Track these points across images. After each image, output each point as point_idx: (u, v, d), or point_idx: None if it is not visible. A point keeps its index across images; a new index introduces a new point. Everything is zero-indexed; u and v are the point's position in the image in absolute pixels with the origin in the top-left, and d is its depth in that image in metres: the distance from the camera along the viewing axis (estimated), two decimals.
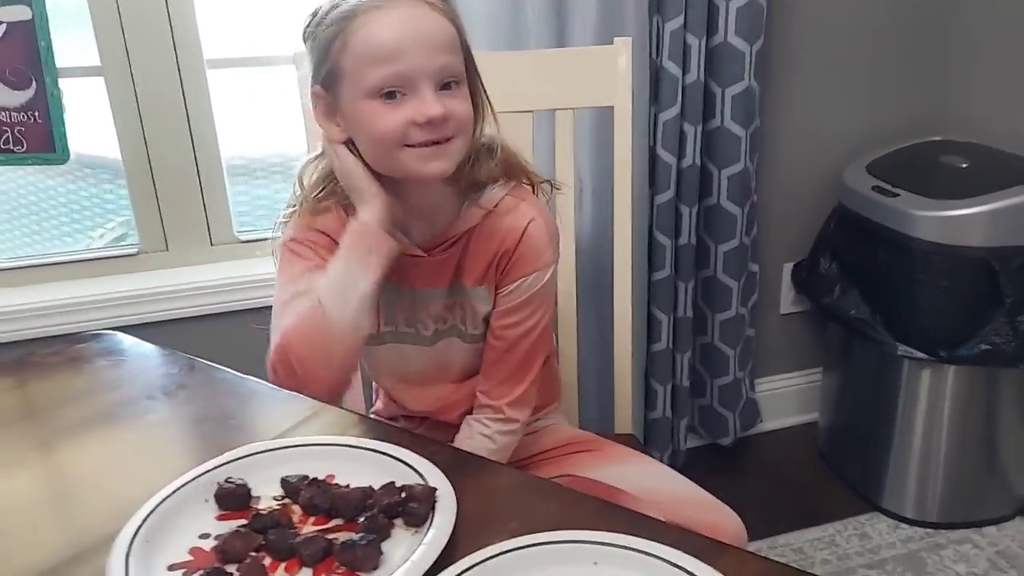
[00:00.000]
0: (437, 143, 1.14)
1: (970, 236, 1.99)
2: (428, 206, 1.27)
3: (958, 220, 1.99)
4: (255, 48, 2.15)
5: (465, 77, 1.17)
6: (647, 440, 2.39)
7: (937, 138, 2.36)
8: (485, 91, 1.23)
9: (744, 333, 2.39)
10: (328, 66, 1.14)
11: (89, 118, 2.03)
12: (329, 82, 1.16)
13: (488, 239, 1.27)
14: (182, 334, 2.04)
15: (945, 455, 2.20)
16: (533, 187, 1.33)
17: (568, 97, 1.60)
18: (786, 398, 2.67)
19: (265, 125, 2.29)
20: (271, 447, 1.03)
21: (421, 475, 0.97)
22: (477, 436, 1.34)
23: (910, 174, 2.18)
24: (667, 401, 2.37)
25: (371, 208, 1.19)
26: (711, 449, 2.56)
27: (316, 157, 1.29)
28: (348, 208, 1.24)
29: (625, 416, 1.67)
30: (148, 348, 1.34)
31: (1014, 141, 2.21)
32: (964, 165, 2.16)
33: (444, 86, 1.13)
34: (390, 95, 1.12)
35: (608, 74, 1.57)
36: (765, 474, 2.51)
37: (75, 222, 2.30)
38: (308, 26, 1.18)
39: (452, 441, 1.35)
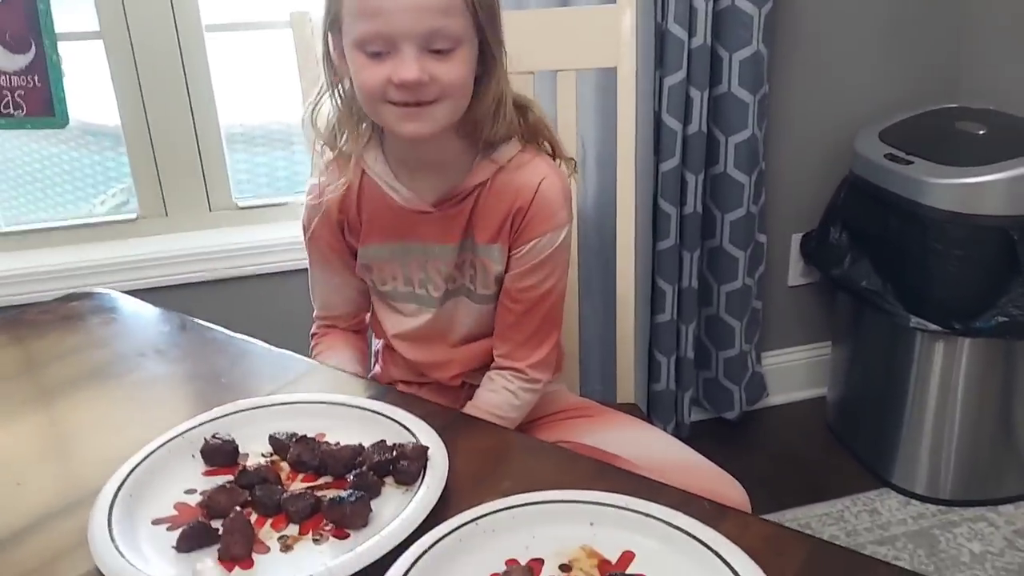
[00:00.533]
0: (419, 104, 1.12)
1: (987, 204, 1.94)
2: (437, 160, 1.25)
3: (975, 188, 1.94)
4: (253, 12, 2.13)
5: (466, 40, 1.13)
6: (650, 412, 2.37)
7: (953, 104, 2.30)
8: (501, 52, 1.20)
9: (751, 305, 2.36)
10: (332, 11, 1.15)
11: (91, 85, 2.02)
12: (334, 27, 1.16)
13: (500, 195, 1.25)
14: (180, 299, 2.02)
15: (959, 430, 2.16)
16: (554, 156, 1.31)
17: (571, 58, 1.56)
18: (793, 372, 2.64)
19: (265, 92, 2.27)
20: (260, 404, 1.01)
21: (413, 434, 0.95)
22: (501, 390, 1.32)
23: (925, 141, 2.12)
24: (671, 373, 2.34)
25: None
26: (716, 423, 2.53)
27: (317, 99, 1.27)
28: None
29: (627, 386, 1.64)
30: (140, 306, 1.34)
31: None
32: (981, 132, 2.11)
33: (436, 49, 1.11)
34: (374, 51, 1.11)
35: (612, 35, 1.54)
36: (771, 449, 2.48)
37: (77, 189, 2.31)
38: None
39: (459, 406, 1.34)
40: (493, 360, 1.36)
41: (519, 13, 1.80)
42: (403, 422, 0.98)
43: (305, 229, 1.33)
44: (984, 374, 2.10)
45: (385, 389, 1.10)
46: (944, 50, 2.41)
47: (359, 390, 1.07)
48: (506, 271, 1.30)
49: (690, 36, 2.00)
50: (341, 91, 1.22)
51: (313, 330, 1.43)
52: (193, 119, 2.06)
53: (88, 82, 2.01)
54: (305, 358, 1.16)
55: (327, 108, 1.26)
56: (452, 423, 1.01)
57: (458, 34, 1.12)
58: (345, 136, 1.25)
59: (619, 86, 1.55)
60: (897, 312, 2.06)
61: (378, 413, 1.00)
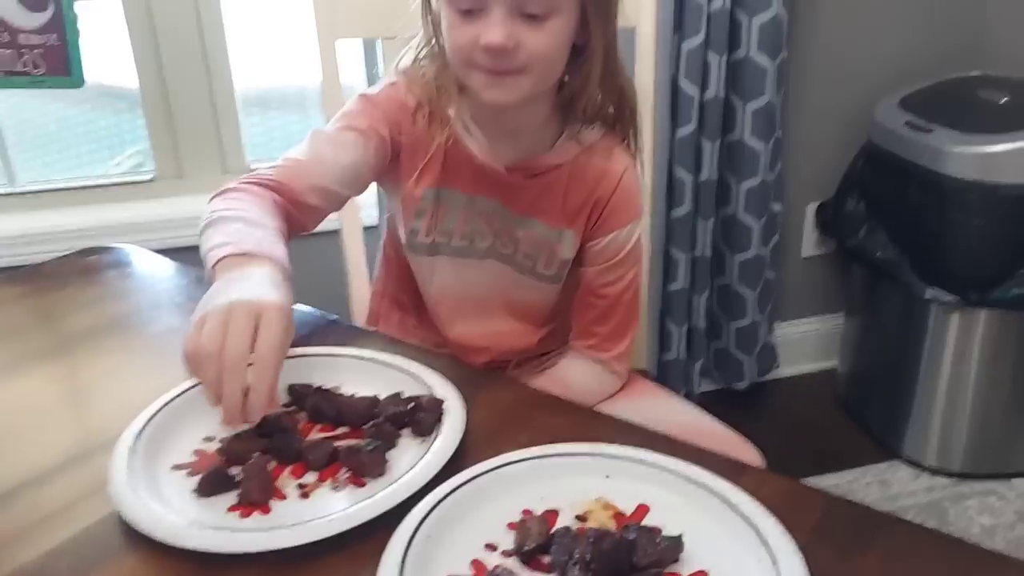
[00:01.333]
0: (504, 72, 1.06)
1: (1009, 173, 1.92)
2: (519, 127, 1.20)
3: (996, 156, 1.92)
4: None
5: (564, 7, 1.06)
6: (660, 381, 2.35)
7: (975, 72, 2.27)
8: (608, 27, 1.12)
9: (764, 275, 2.35)
10: None
11: (109, 47, 2.02)
12: None
13: (581, 179, 1.22)
14: (195, 259, 2.01)
15: (972, 403, 2.15)
16: (630, 148, 1.27)
17: None
18: (805, 343, 2.64)
19: (281, 55, 2.26)
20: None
21: (430, 387, 0.96)
22: (586, 369, 1.30)
23: (945, 109, 2.09)
24: (682, 343, 2.34)
25: None
26: (726, 393, 2.53)
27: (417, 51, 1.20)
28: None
29: (639, 354, 1.63)
30: (157, 261, 1.34)
31: None
32: (1004, 100, 2.08)
33: (530, 15, 1.03)
34: (465, 9, 1.05)
35: None
36: (781, 419, 2.48)
37: (94, 151, 2.33)
38: None
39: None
40: (529, 349, 1.35)
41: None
42: (420, 375, 0.98)
43: (364, 96, 1.21)
44: (999, 346, 2.09)
45: (402, 345, 1.10)
46: (967, 16, 2.38)
47: (376, 344, 1.07)
48: (581, 261, 1.27)
49: (709, 0, 1.99)
50: (439, 42, 1.14)
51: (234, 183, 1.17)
52: (209, 81, 2.06)
53: (106, 44, 2.02)
54: (320, 312, 1.15)
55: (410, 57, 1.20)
56: (470, 377, 1.01)
57: (556, 2, 1.04)
58: (443, 82, 1.16)
59: (637, 47, 1.52)
60: (913, 283, 2.06)
61: (395, 367, 1.00)
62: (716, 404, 2.43)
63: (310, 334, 1.11)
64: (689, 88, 2.04)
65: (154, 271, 1.33)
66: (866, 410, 2.42)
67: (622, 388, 1.38)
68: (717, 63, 2.04)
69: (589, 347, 1.30)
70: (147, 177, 2.11)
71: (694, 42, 2.00)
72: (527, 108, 1.15)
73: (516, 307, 1.33)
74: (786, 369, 2.62)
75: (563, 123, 1.21)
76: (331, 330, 1.13)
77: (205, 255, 1.00)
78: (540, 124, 1.20)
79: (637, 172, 1.26)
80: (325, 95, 1.54)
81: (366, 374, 1.00)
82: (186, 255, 1.99)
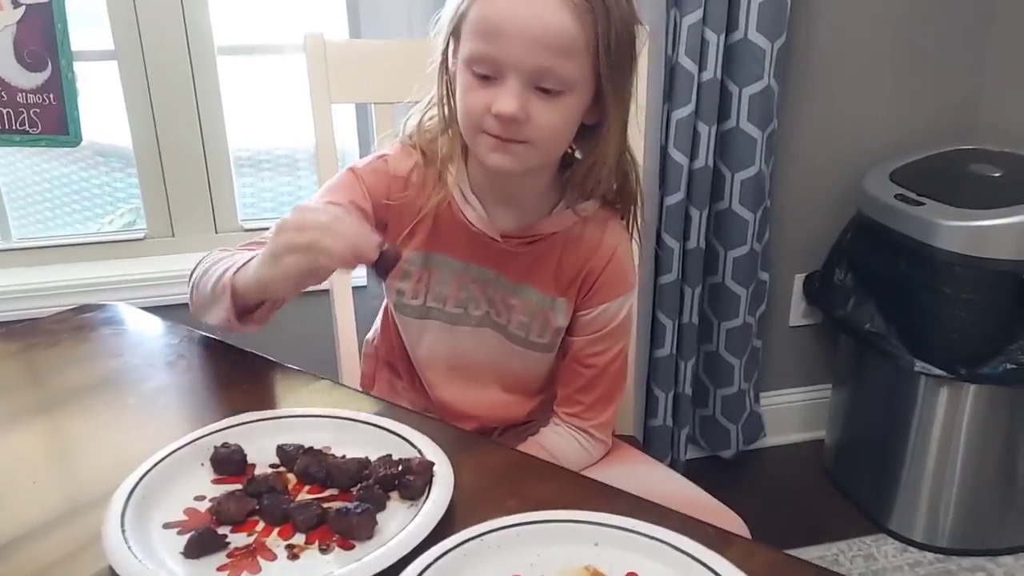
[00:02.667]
0: (510, 140, 1.08)
1: (1000, 248, 1.92)
2: (517, 194, 1.21)
3: (987, 231, 1.92)
4: (266, 36, 2.16)
5: (579, 86, 1.07)
6: (646, 448, 2.35)
7: (968, 146, 2.29)
8: (623, 107, 1.14)
9: (751, 343, 2.37)
10: (457, 17, 1.10)
11: (104, 106, 2.04)
12: (456, 34, 1.11)
13: (576, 251, 1.23)
14: (185, 317, 2.02)
15: (960, 478, 2.14)
16: (628, 226, 1.29)
17: None
18: (792, 413, 2.64)
19: (273, 117, 2.29)
20: (269, 416, 1.02)
21: (419, 450, 0.96)
22: (569, 438, 1.30)
23: (937, 182, 2.11)
24: (668, 409, 2.34)
25: None
26: (712, 461, 2.53)
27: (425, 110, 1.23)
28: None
29: (626, 420, 1.64)
30: (150, 319, 1.35)
31: None
32: (996, 174, 2.10)
33: (545, 88, 1.05)
34: (482, 74, 1.07)
35: None
36: (767, 489, 2.48)
37: (87, 208, 2.35)
38: None
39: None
40: (518, 420, 1.37)
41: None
42: (409, 438, 0.98)
43: (351, 170, 1.24)
44: (988, 422, 2.08)
45: (391, 407, 1.10)
46: (961, 89, 2.40)
47: (367, 406, 1.07)
48: (570, 330, 1.28)
49: (700, 70, 2.02)
50: (450, 103, 1.16)
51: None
52: (203, 141, 2.08)
53: (100, 103, 2.04)
54: (313, 374, 1.16)
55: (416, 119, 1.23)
56: (459, 440, 1.01)
57: (570, 78, 1.06)
58: (443, 145, 1.19)
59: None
60: (901, 356, 2.06)
61: (385, 429, 1.00)
62: (702, 472, 2.46)
63: (303, 395, 1.12)
64: (678, 157, 2.06)
65: (146, 329, 1.34)
66: (853, 482, 2.41)
67: (607, 454, 1.38)
68: (707, 133, 2.07)
69: (572, 415, 1.31)
70: (139, 235, 2.12)
71: (684, 112, 2.03)
72: (528, 178, 1.17)
73: (507, 377, 1.34)
74: (773, 438, 2.61)
75: (562, 193, 1.23)
76: (321, 390, 1.13)
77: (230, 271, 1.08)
78: (539, 193, 1.22)
79: (631, 247, 1.28)
80: (319, 158, 1.56)
81: (356, 435, 1.00)
82: (176, 313, 1.99)
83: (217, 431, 0.98)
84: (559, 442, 1.29)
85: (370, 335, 1.47)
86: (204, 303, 1.14)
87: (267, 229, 1.10)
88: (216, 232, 2.14)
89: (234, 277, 1.06)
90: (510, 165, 1.10)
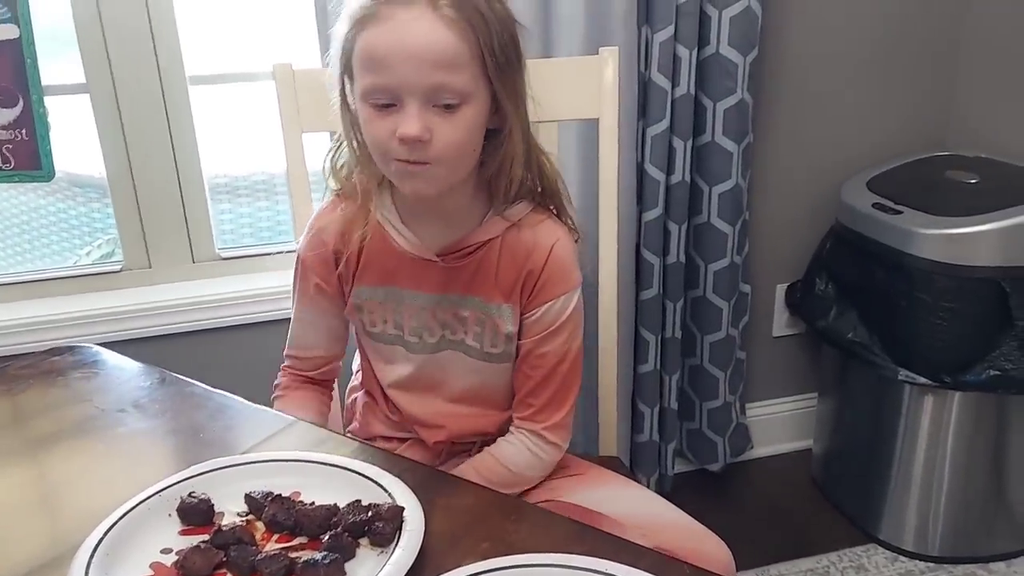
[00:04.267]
0: (419, 163, 1.11)
1: (979, 255, 1.91)
2: (445, 211, 1.25)
3: (966, 238, 1.91)
4: (237, 64, 2.14)
5: (475, 95, 1.12)
6: (633, 464, 2.35)
7: (943, 153, 2.29)
8: (520, 107, 1.19)
9: (735, 355, 2.36)
10: (345, 58, 1.14)
11: (79, 137, 2.03)
12: (348, 73, 1.16)
13: (512, 254, 1.26)
14: (163, 350, 2.02)
15: (948, 486, 2.13)
16: (562, 221, 1.33)
17: (552, 109, 1.54)
18: (778, 424, 2.63)
19: (249, 143, 2.28)
20: (236, 462, 1.01)
21: (389, 494, 0.95)
22: (521, 447, 1.32)
23: (914, 190, 2.11)
24: (654, 424, 2.33)
25: None
26: (699, 475, 2.51)
27: (335, 149, 1.29)
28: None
29: (610, 438, 1.64)
30: (121, 361, 1.34)
31: None
32: (973, 181, 2.09)
33: (445, 104, 1.09)
34: (381, 104, 1.10)
35: (593, 86, 1.54)
36: (756, 502, 2.46)
37: (64, 240, 2.33)
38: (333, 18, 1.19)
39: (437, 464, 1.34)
40: (488, 433, 1.37)
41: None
42: (380, 481, 0.97)
43: (299, 259, 1.33)
44: (974, 429, 2.07)
45: (362, 447, 1.09)
46: (934, 97, 2.40)
47: (336, 448, 1.06)
48: (519, 334, 1.30)
49: (674, 86, 2.01)
50: (357, 137, 1.20)
51: (279, 378, 1.41)
52: (177, 171, 2.06)
53: (76, 134, 2.02)
54: (282, 414, 1.15)
55: (343, 153, 1.28)
56: (430, 481, 1.00)
57: (465, 89, 1.10)
58: (361, 183, 1.25)
59: (601, 137, 1.56)
60: (885, 365, 2.04)
61: (355, 472, 0.99)
62: (690, 486, 2.45)
63: (272, 436, 1.11)
64: (655, 173, 2.05)
65: (116, 371, 1.32)
66: (842, 492, 2.40)
67: (588, 478, 1.40)
68: (682, 148, 2.06)
69: (525, 419, 1.33)
70: (115, 268, 2.10)
71: (659, 128, 2.02)
72: (451, 194, 1.21)
73: (473, 393, 1.36)
74: (760, 450, 2.61)
75: (489, 202, 1.27)
76: (292, 431, 1.12)
77: None
78: (466, 206, 1.26)
79: (570, 243, 1.29)
80: (292, 188, 1.57)
81: (325, 479, 0.99)
82: (154, 345, 2.02)
83: (185, 479, 0.97)
84: (509, 451, 1.31)
85: (355, 367, 1.51)
86: None
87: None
88: (194, 262, 2.13)
89: None
90: (425, 188, 1.15)
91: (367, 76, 1.10)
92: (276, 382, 1.40)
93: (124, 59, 1.96)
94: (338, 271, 1.30)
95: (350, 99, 1.18)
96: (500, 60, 1.12)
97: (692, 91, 2.03)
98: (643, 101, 2.02)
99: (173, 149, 2.04)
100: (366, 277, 1.30)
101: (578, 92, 1.56)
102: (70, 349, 1.36)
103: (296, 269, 1.34)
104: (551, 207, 1.31)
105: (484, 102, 1.14)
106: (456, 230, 1.26)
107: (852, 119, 2.37)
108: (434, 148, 1.10)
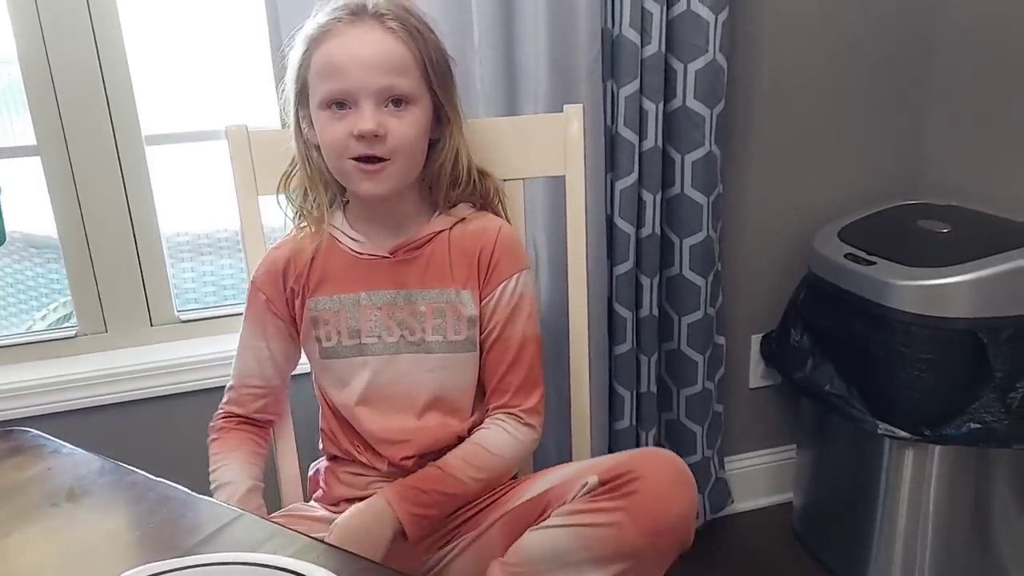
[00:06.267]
0: (373, 160, 1.27)
1: (954, 306, 1.87)
2: (395, 217, 1.40)
3: (941, 289, 1.87)
4: (196, 122, 2.09)
5: (420, 99, 1.30)
6: None
7: (914, 201, 2.27)
8: (456, 116, 1.37)
9: (712, 408, 2.30)
10: (300, 81, 1.31)
11: (34, 196, 1.97)
12: (302, 98, 1.32)
13: (462, 246, 1.39)
14: (122, 418, 1.96)
15: (932, 539, 2.07)
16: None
17: (518, 167, 1.58)
18: (758, 477, 2.57)
19: (211, 200, 2.23)
20: (167, 569, 0.93)
21: None
22: (498, 429, 1.40)
23: (886, 240, 2.07)
24: None
25: None
26: None
27: (288, 175, 1.45)
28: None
29: None
30: (59, 447, 1.25)
31: (998, 203, 2.12)
32: (945, 230, 2.06)
33: (395, 103, 1.27)
34: (340, 105, 1.26)
35: (559, 143, 1.56)
36: (738, 558, 2.39)
37: (20, 302, 2.28)
38: (287, 48, 1.34)
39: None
40: (455, 442, 1.40)
41: (467, 122, 1.78)
42: None
43: (252, 281, 1.44)
44: (957, 482, 2.02)
45: (310, 544, 1.02)
46: (903, 145, 2.38)
47: (283, 546, 0.99)
48: (481, 324, 1.40)
49: (641, 139, 1.97)
50: (310, 161, 1.37)
51: (216, 420, 1.48)
52: (134, 233, 2.00)
53: (31, 194, 1.96)
54: (228, 506, 1.08)
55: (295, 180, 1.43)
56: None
57: (412, 92, 1.28)
58: (314, 200, 1.39)
59: (568, 193, 1.57)
60: (864, 418, 1.99)
61: (299, 574, 0.92)
62: None
63: (218, 531, 1.04)
64: (624, 226, 2.01)
65: (52, 460, 1.22)
66: (825, 545, 2.34)
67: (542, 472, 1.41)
68: (652, 201, 2.03)
69: (501, 405, 1.42)
70: (70, 333, 2.03)
71: (627, 181, 1.98)
72: (400, 199, 1.36)
73: (435, 399, 1.41)
74: (740, 504, 2.54)
75: (433, 208, 1.42)
76: (238, 525, 1.06)
77: None
78: (413, 211, 1.41)
79: (515, 231, 1.45)
80: (246, 249, 1.55)
81: None
82: (110, 413, 1.95)
83: None
84: (491, 435, 1.39)
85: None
86: None
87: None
88: (151, 325, 2.06)
89: None
90: (381, 189, 1.30)
91: (324, 84, 1.27)
92: (211, 423, 1.48)
93: (77, 120, 1.90)
94: (290, 286, 1.41)
95: (303, 124, 1.34)
96: (439, 70, 1.32)
97: (660, 144, 2.00)
98: (611, 154, 1.98)
99: (129, 210, 1.99)
100: (321, 289, 1.40)
101: (544, 150, 1.57)
102: (5, 433, 1.28)
103: (247, 296, 1.45)
104: (491, 211, 1.46)
105: (427, 108, 1.32)
106: (404, 231, 1.40)
107: (821, 168, 2.34)
108: (388, 143, 1.26)
